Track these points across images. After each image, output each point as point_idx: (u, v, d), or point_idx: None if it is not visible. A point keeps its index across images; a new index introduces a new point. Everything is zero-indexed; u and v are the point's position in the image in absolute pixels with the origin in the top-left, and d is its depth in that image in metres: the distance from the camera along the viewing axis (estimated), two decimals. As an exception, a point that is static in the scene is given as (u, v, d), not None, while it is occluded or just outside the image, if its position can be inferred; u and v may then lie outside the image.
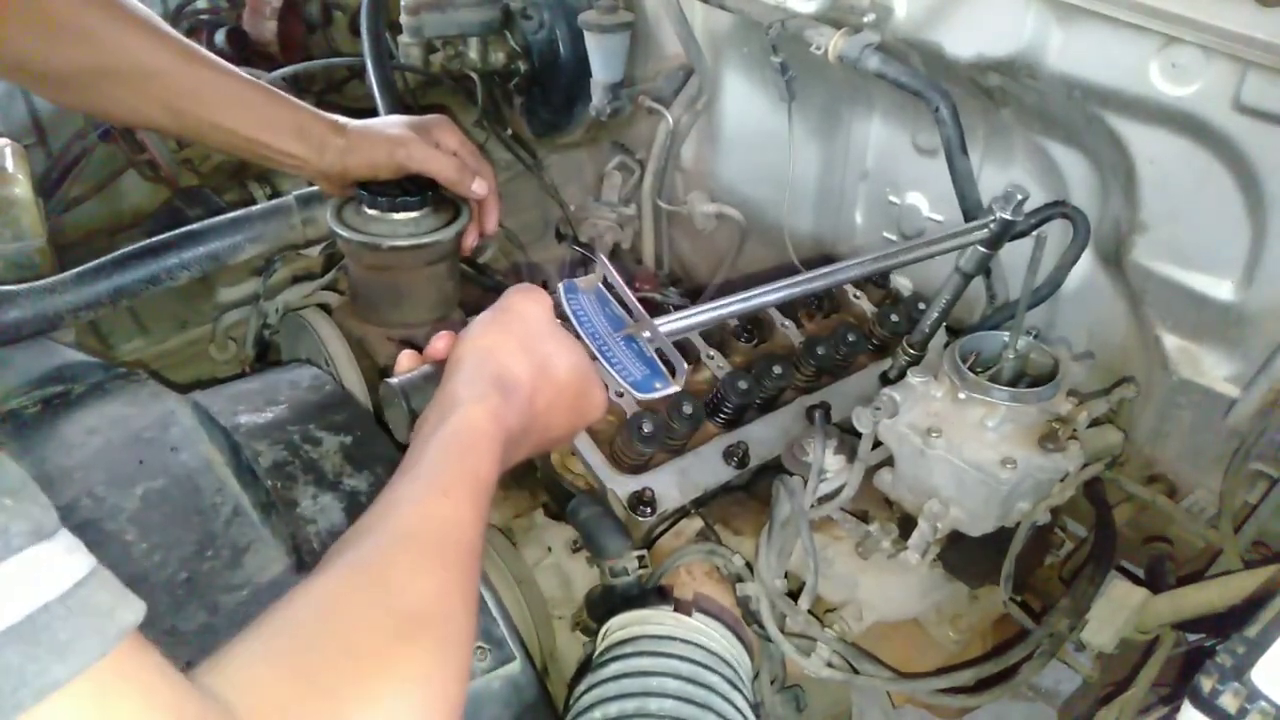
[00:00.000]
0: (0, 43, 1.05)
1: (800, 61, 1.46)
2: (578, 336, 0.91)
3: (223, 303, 1.75)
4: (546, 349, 0.88)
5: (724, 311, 1.01)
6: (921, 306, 1.38)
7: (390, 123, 1.28)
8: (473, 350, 0.86)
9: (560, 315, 0.92)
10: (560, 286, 0.94)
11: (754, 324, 1.38)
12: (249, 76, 1.19)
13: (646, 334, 0.93)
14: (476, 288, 1.63)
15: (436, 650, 0.64)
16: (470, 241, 1.35)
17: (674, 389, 0.91)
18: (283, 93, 1.22)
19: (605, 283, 0.97)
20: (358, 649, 0.61)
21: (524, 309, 0.89)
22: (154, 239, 1.29)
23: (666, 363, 0.92)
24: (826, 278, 1.10)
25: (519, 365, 0.85)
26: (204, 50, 1.16)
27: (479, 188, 1.30)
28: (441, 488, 0.74)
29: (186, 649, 0.87)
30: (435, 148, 1.27)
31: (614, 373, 0.91)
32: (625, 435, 1.16)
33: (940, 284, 1.20)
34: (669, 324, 0.96)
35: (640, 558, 1.10)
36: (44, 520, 0.48)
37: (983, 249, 1.08)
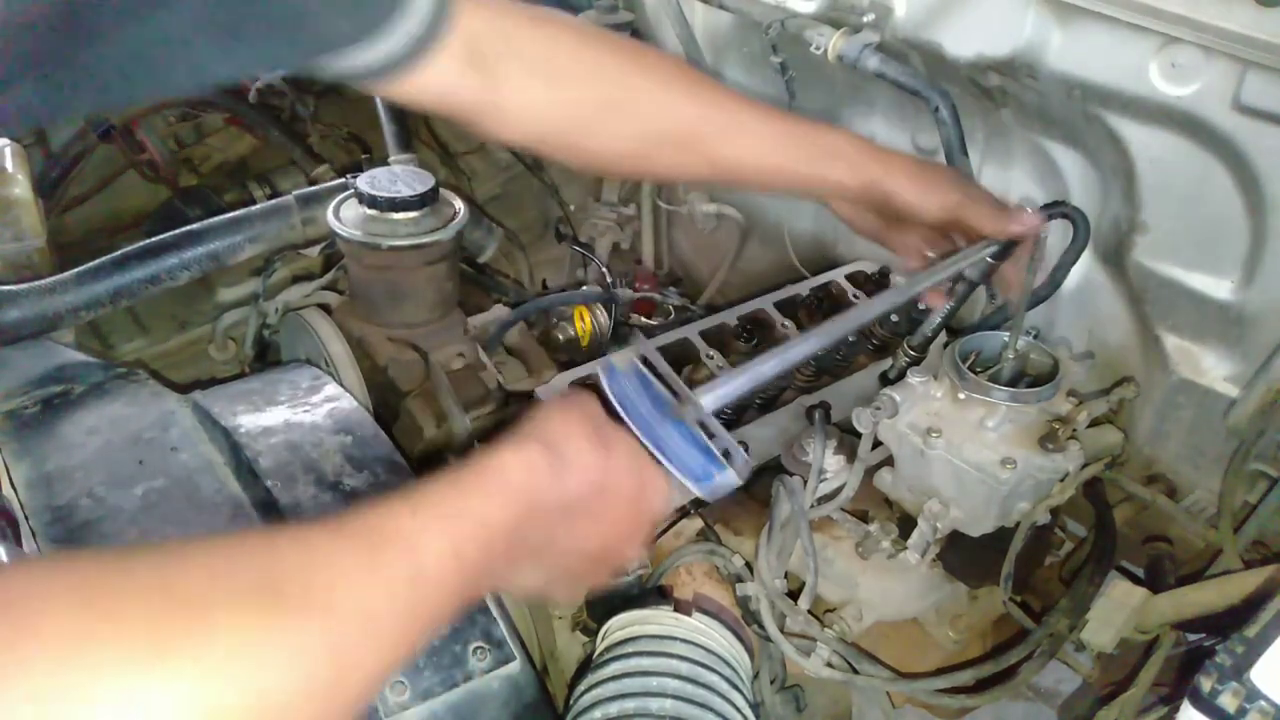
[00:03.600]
0: (547, 134, 0.99)
1: (800, 61, 1.46)
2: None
3: (223, 303, 1.75)
4: (608, 433, 0.77)
5: (768, 368, 0.90)
6: (922, 307, 1.38)
7: (936, 166, 1.17)
8: (532, 421, 0.75)
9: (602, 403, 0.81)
10: (599, 371, 0.83)
11: (754, 324, 1.38)
12: (768, 105, 1.09)
13: (694, 414, 0.82)
14: (477, 288, 1.63)
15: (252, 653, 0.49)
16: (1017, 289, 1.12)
17: (735, 480, 0.80)
18: (798, 115, 1.12)
19: (642, 359, 0.86)
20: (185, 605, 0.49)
21: (580, 399, 0.78)
22: (154, 239, 1.29)
23: (721, 445, 0.82)
24: (856, 317, 1.02)
25: (579, 439, 0.74)
26: (727, 89, 1.07)
27: (1029, 221, 1.07)
28: (412, 506, 0.62)
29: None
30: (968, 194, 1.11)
31: (671, 467, 0.79)
32: (625, 435, 1.16)
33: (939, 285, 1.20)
34: (714, 394, 0.84)
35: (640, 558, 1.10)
36: None
37: (991, 259, 1.08)
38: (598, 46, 0.99)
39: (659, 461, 0.78)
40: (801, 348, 0.93)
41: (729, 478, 0.80)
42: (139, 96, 0.87)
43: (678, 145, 1.03)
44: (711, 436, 0.81)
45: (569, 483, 0.72)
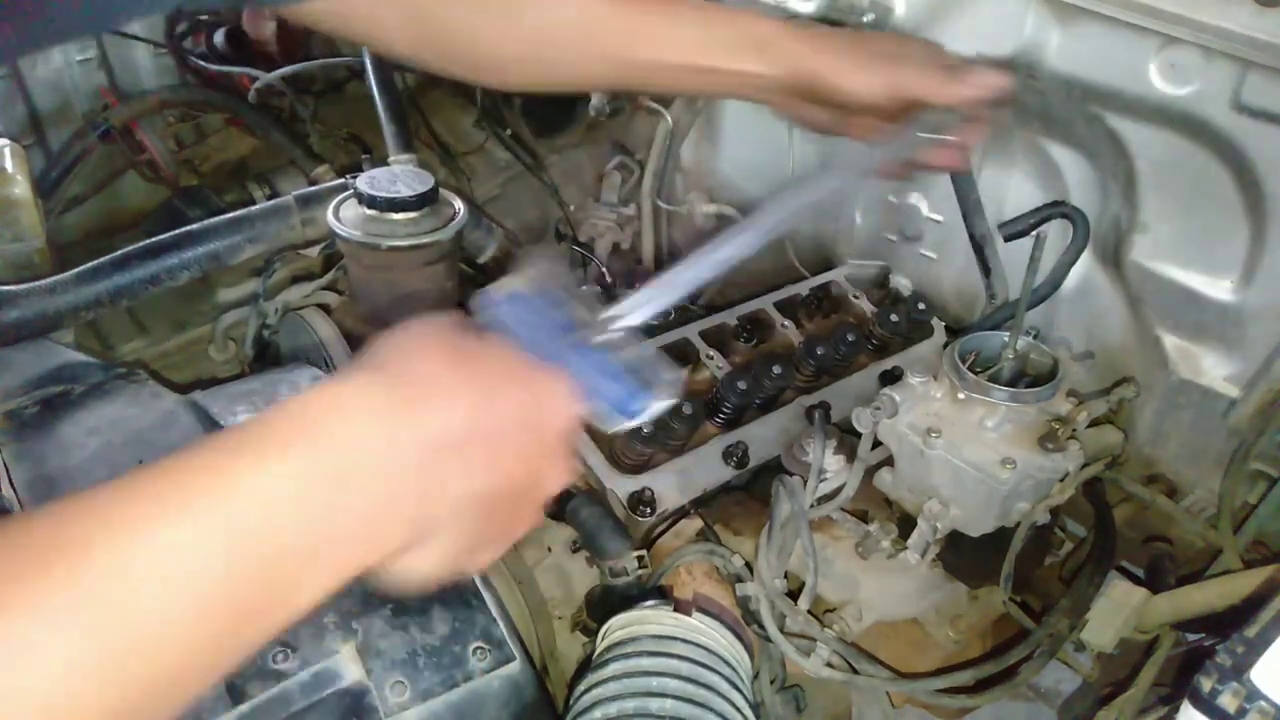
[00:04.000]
0: (437, 39, 0.96)
1: (800, 61, 1.45)
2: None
3: (222, 303, 1.75)
4: (475, 349, 0.63)
5: (690, 275, 0.80)
6: (921, 307, 1.39)
7: (868, 36, 1.06)
8: (368, 353, 0.62)
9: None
10: (479, 299, 0.70)
11: (753, 324, 1.38)
12: None
13: (607, 336, 0.70)
14: (477, 288, 1.63)
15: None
16: (962, 163, 1.05)
17: (661, 404, 0.68)
18: (720, 3, 1.02)
19: (539, 279, 0.72)
20: None
21: (434, 322, 0.64)
22: (154, 239, 1.29)
23: (641, 368, 0.69)
24: (792, 202, 0.90)
25: (433, 360, 0.60)
26: None
27: (982, 79, 0.98)
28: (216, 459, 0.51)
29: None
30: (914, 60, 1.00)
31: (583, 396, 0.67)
32: (625, 435, 1.16)
33: (940, 285, 1.20)
34: (630, 307, 0.74)
35: (640, 558, 1.10)
36: None
37: (944, 133, 0.96)
38: None
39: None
40: (728, 249, 0.83)
41: (654, 400, 0.68)
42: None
43: (577, 44, 0.97)
44: (632, 361, 0.69)
45: (432, 415, 0.58)
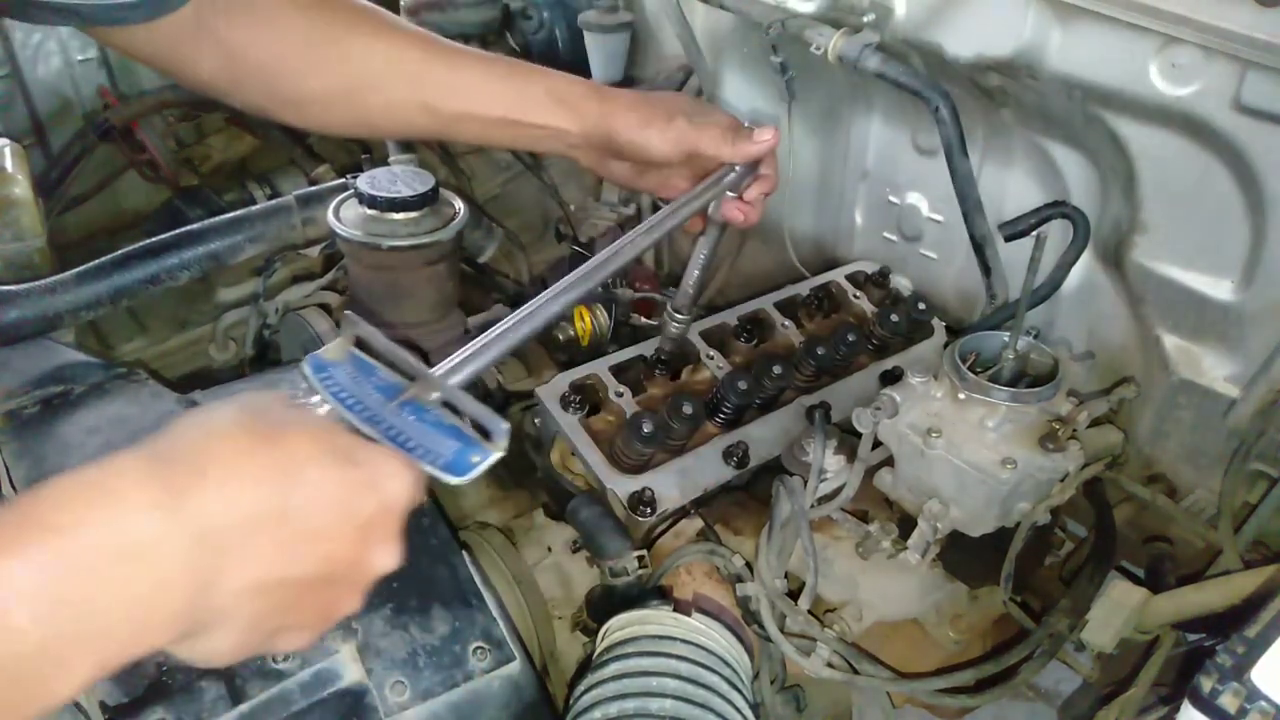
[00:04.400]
0: (250, 75, 0.99)
1: (800, 61, 1.46)
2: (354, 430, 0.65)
3: (223, 303, 1.75)
4: (282, 427, 0.59)
5: (513, 338, 0.82)
6: (921, 306, 1.39)
7: (663, 97, 1.11)
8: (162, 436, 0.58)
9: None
10: (305, 365, 0.68)
11: (754, 324, 1.38)
12: (489, 54, 1.08)
13: (435, 394, 0.69)
14: (477, 288, 1.63)
15: None
16: (752, 216, 1.12)
17: (495, 455, 0.66)
18: (526, 62, 1.10)
19: (359, 344, 0.71)
20: None
21: (241, 399, 0.61)
22: (154, 239, 1.29)
23: (476, 424, 0.68)
24: (601, 265, 0.93)
25: (223, 440, 0.57)
26: (439, 37, 1.06)
27: (762, 137, 1.06)
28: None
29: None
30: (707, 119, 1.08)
31: (413, 458, 0.65)
32: (625, 435, 1.16)
33: (940, 285, 1.20)
34: (455, 371, 0.74)
35: (640, 558, 1.10)
36: None
37: (731, 190, 1.07)
38: None
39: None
40: (550, 307, 0.86)
41: (488, 455, 0.66)
42: None
43: (389, 90, 1.01)
44: (460, 415, 0.68)
45: (210, 499, 0.54)
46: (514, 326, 0.82)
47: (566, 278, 0.89)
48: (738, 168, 1.07)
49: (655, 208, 1.94)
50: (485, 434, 0.67)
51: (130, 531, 0.51)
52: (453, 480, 0.65)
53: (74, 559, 0.49)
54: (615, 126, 1.04)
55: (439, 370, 0.72)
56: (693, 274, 1.19)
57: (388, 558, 0.63)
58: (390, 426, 0.65)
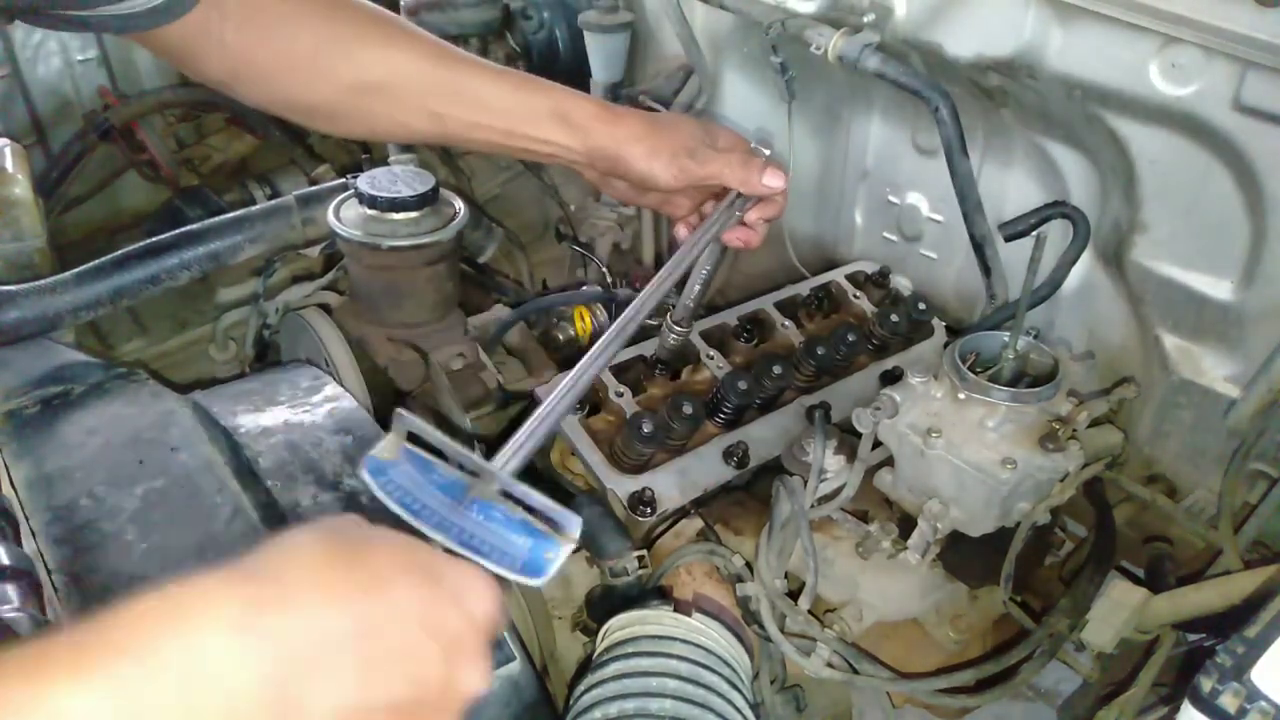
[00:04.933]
0: (258, 79, 1.01)
1: (800, 61, 1.46)
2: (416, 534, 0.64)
3: (223, 303, 1.75)
4: (363, 550, 0.58)
5: (561, 409, 0.81)
6: (921, 307, 1.39)
7: (673, 126, 1.09)
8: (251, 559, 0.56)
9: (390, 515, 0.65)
10: (363, 471, 0.66)
11: (754, 324, 1.38)
12: (499, 66, 1.09)
13: (496, 487, 0.67)
14: (477, 288, 1.63)
15: None
16: (753, 240, 1.12)
17: (568, 548, 0.65)
18: (537, 77, 1.10)
19: (411, 438, 0.68)
20: None
21: (326, 523, 0.60)
22: (154, 239, 1.29)
23: (539, 513, 0.67)
24: (632, 317, 0.94)
25: (305, 568, 0.55)
26: (451, 46, 1.07)
27: (773, 182, 1.06)
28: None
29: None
30: (716, 149, 1.08)
31: (487, 563, 0.64)
32: (625, 435, 1.16)
33: (940, 285, 1.20)
34: (513, 456, 0.73)
35: (640, 558, 1.10)
36: None
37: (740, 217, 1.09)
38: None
39: (467, 559, 0.64)
40: (589, 371, 0.86)
41: (560, 549, 0.65)
42: None
43: (400, 97, 1.02)
44: (529, 508, 0.66)
45: (293, 620, 0.52)
46: (559, 400, 0.82)
47: (601, 339, 0.90)
48: (746, 200, 1.08)
49: (656, 212, 1.94)
50: (552, 524, 0.66)
51: (211, 658, 0.49)
52: (532, 583, 0.64)
53: (151, 687, 0.47)
54: (621, 154, 1.04)
55: (499, 462, 0.70)
56: (693, 289, 1.20)
57: (477, 677, 0.60)
58: (461, 530, 0.64)
